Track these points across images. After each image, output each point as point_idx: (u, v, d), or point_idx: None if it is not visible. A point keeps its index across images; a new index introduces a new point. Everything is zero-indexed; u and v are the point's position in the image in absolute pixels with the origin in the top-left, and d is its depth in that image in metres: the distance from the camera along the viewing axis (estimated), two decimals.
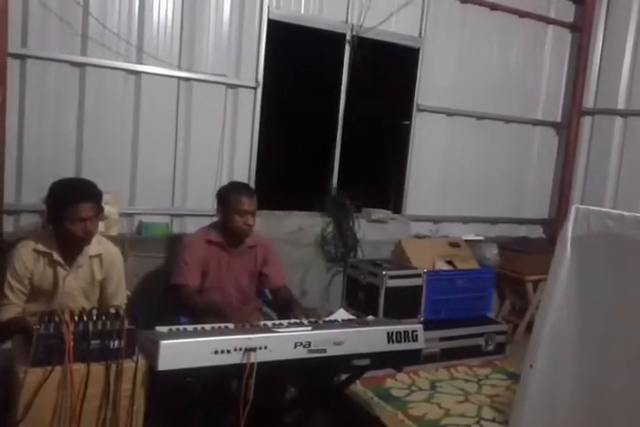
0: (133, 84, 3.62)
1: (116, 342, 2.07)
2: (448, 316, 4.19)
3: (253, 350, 2.11)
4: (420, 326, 2.50)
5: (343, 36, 4.24)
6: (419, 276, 4.09)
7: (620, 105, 5.03)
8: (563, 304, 2.40)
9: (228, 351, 2.09)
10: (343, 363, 2.35)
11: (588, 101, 5.19)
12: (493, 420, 3.25)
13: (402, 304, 3.96)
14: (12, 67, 3.22)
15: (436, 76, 4.66)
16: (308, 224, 4.21)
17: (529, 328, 4.26)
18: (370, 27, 4.25)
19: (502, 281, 4.85)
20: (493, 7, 4.81)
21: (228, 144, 3.97)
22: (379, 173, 4.75)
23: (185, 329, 2.33)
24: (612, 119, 5.07)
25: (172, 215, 3.86)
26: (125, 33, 3.54)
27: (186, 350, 2.05)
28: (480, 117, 4.95)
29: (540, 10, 5.06)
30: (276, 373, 2.20)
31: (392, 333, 2.40)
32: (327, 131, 4.33)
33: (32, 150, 3.37)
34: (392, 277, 3.98)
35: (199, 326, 2.38)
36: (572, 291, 2.38)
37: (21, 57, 3.28)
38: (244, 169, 4.03)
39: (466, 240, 4.69)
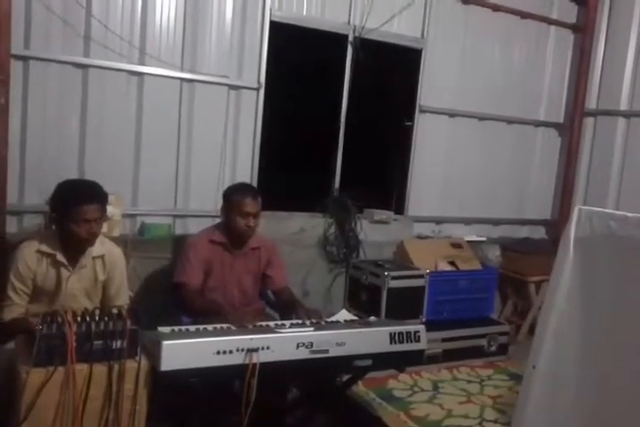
0: (136, 85, 3.63)
1: (119, 343, 2.07)
2: (450, 317, 4.19)
3: (255, 350, 2.11)
4: (423, 326, 2.49)
5: (345, 37, 4.25)
6: (421, 277, 4.09)
7: (623, 106, 5.02)
8: (565, 305, 2.40)
9: (231, 352, 2.09)
10: (345, 364, 2.34)
11: (591, 102, 5.19)
12: (496, 421, 3.25)
13: (404, 305, 3.96)
14: (15, 68, 3.23)
15: (439, 77, 4.66)
16: (310, 225, 4.21)
17: (531, 329, 4.25)
18: (372, 28, 4.26)
19: (505, 282, 4.84)
20: (496, 8, 4.81)
21: (231, 145, 3.97)
22: (381, 174, 4.75)
23: (187, 330, 2.33)
24: (614, 120, 5.06)
25: (175, 216, 3.86)
26: (128, 34, 3.55)
27: (188, 350, 2.05)
28: (482, 118, 4.94)
29: (542, 11, 5.06)
30: (278, 373, 2.20)
31: (394, 333, 2.39)
32: (329, 132, 4.33)
33: (35, 151, 3.38)
34: (394, 278, 3.98)
35: (201, 327, 2.38)
36: (574, 292, 2.38)
37: (24, 58, 3.29)
38: (246, 170, 4.04)
39: (468, 241, 4.69)
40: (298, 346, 2.20)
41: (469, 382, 3.81)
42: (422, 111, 4.65)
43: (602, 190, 5.10)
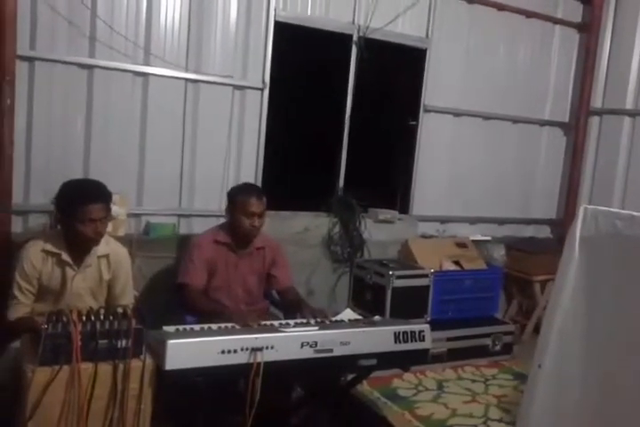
0: (141, 85, 3.64)
1: (124, 342, 2.08)
2: (455, 316, 4.18)
3: (260, 349, 2.11)
4: (427, 326, 2.50)
5: (350, 37, 4.25)
6: (425, 276, 4.09)
7: (629, 105, 5.00)
8: (571, 305, 2.39)
9: (235, 351, 2.09)
10: (350, 363, 2.35)
11: (596, 101, 5.17)
12: (500, 420, 3.25)
13: (408, 304, 3.96)
14: (21, 69, 3.24)
15: (443, 76, 4.66)
16: (314, 225, 4.21)
17: (536, 329, 4.25)
18: (376, 28, 4.25)
19: (510, 281, 4.84)
20: (500, 7, 4.80)
21: (235, 145, 3.98)
22: (385, 174, 4.74)
23: (192, 329, 2.34)
24: (620, 119, 5.05)
25: (179, 216, 3.87)
26: (133, 35, 3.56)
27: (193, 349, 2.06)
28: (487, 118, 4.93)
29: (547, 10, 5.04)
30: (282, 372, 2.21)
31: (399, 333, 2.40)
32: (334, 131, 4.33)
33: (40, 151, 3.39)
34: (399, 278, 3.98)
35: (206, 326, 2.39)
36: (580, 291, 2.37)
37: (30, 59, 3.30)
38: (250, 170, 4.04)
39: (473, 240, 4.68)
40: (302, 345, 2.21)
41: (474, 381, 3.80)
42: (427, 111, 4.64)
43: (607, 189, 5.09)
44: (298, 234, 4.12)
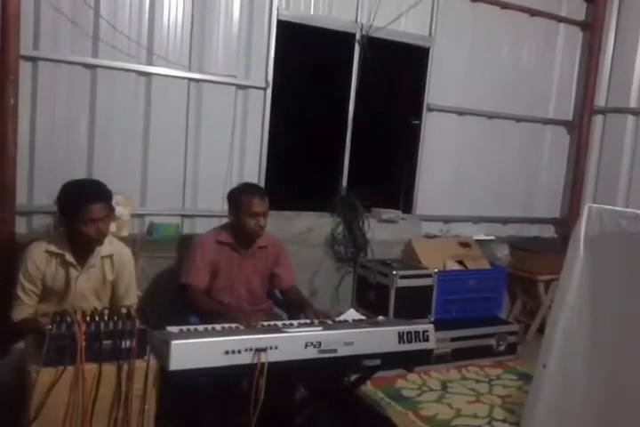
0: (144, 85, 3.64)
1: (128, 343, 2.07)
2: (459, 316, 4.17)
3: (264, 350, 2.11)
4: (431, 326, 2.49)
5: (353, 35, 4.24)
6: (429, 276, 4.08)
7: (632, 103, 4.99)
8: (575, 304, 2.39)
9: (239, 351, 2.09)
10: (354, 363, 2.34)
11: (600, 100, 5.15)
12: (505, 420, 3.24)
13: (412, 304, 3.95)
14: (24, 69, 3.24)
15: (447, 75, 4.65)
16: (317, 224, 4.21)
17: (540, 329, 4.24)
18: (379, 26, 4.25)
19: (514, 281, 4.82)
20: (504, 6, 4.79)
21: (238, 145, 3.98)
22: (389, 173, 4.74)
23: (196, 329, 2.33)
24: (623, 118, 5.03)
25: (183, 216, 3.87)
26: (136, 35, 3.56)
27: (197, 350, 2.06)
28: (491, 116, 4.92)
29: (551, 8, 5.03)
30: (286, 373, 2.20)
31: (403, 333, 2.39)
32: (337, 131, 4.32)
33: (44, 152, 3.40)
34: (402, 277, 3.97)
35: (210, 327, 2.38)
36: (584, 290, 2.37)
37: (33, 59, 3.31)
38: (253, 169, 4.04)
39: (477, 240, 4.67)
40: (306, 346, 2.20)
41: (478, 381, 3.79)
42: (430, 110, 4.64)
43: (611, 188, 5.07)
44: (301, 234, 4.11)
